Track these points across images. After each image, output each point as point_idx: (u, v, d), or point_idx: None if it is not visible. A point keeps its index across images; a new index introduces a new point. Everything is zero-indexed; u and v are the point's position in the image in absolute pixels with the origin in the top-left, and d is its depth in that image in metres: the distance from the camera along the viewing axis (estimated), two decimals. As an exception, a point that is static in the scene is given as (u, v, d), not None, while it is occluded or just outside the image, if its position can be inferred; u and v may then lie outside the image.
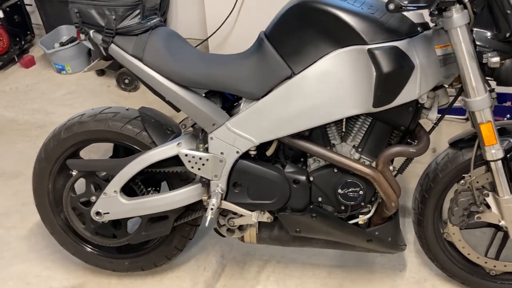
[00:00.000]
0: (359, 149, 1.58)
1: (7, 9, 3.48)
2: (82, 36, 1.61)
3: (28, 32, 3.71)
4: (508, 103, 2.59)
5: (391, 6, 1.21)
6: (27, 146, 2.78)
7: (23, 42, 3.63)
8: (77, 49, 3.38)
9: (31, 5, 3.74)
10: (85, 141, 1.75)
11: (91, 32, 1.59)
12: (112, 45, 1.57)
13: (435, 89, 1.49)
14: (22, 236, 2.18)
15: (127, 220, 1.82)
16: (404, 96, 1.41)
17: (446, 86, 1.53)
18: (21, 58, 3.60)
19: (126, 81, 3.09)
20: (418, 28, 1.42)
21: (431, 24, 1.47)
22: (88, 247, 1.91)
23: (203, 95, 1.61)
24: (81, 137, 1.73)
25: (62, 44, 3.42)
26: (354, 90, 1.43)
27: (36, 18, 3.78)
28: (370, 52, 1.37)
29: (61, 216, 1.87)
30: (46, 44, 3.43)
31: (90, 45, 1.63)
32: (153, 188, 1.86)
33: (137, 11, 1.55)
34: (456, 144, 1.64)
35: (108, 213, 1.72)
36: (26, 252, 2.10)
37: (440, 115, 1.56)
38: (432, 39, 1.43)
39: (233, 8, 2.98)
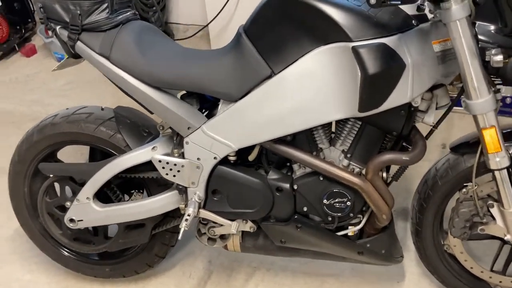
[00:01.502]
0: (348, 155, 1.43)
1: (6, -4, 3.40)
2: (49, 33, 1.50)
3: (29, 20, 3.62)
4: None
5: (372, 1, 1.05)
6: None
7: (23, 31, 3.55)
8: (76, 38, 3.28)
9: (31, -9, 3.66)
10: (59, 143, 1.66)
11: (57, 28, 1.47)
12: (79, 43, 1.45)
13: (432, 88, 1.33)
14: (7, 236, 2.11)
15: (105, 226, 1.72)
16: (394, 100, 1.25)
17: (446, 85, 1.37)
18: (22, 47, 3.53)
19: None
20: (413, 21, 1.26)
21: (430, 16, 1.30)
22: (68, 253, 1.83)
23: (179, 96, 1.49)
24: (54, 139, 1.64)
25: (61, 33, 3.33)
26: (338, 92, 1.28)
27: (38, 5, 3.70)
28: (355, 50, 1.21)
29: (39, 221, 1.79)
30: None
31: (57, 43, 1.52)
32: (136, 191, 1.76)
33: (105, 5, 1.42)
34: (458, 149, 1.48)
35: (81, 220, 1.63)
36: (9, 253, 2.04)
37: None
38: (429, 33, 1.26)
39: (232, -6, 2.82)
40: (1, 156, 2.59)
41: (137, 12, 1.56)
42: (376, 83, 1.22)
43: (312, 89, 1.30)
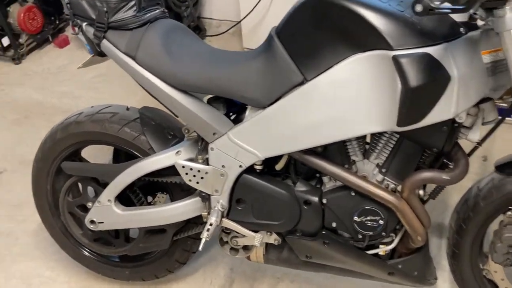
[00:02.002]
0: (383, 170, 1.34)
1: (41, -13, 3.40)
2: (76, 30, 1.45)
3: (63, 11, 3.62)
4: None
5: (419, 8, 0.95)
6: (49, 132, 2.71)
7: (57, 22, 3.56)
8: (108, 30, 3.26)
9: (67, -18, 3.65)
10: (82, 142, 1.62)
11: (83, 25, 1.42)
12: (104, 41, 1.39)
13: (479, 102, 1.21)
14: (30, 230, 2.11)
15: (126, 229, 1.68)
16: (436, 115, 1.14)
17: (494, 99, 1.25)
18: (55, 38, 3.54)
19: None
20: (461, 29, 1.14)
21: (480, 23, 1.18)
22: (88, 253, 1.80)
23: (205, 100, 1.42)
24: (77, 138, 1.59)
25: (93, 25, 3.32)
26: (375, 103, 1.18)
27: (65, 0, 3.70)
28: (395, 59, 1.11)
29: (61, 219, 1.76)
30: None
31: (83, 39, 1.47)
32: (160, 193, 1.72)
33: (132, 2, 1.36)
34: (504, 168, 1.36)
35: (102, 222, 1.59)
36: (32, 249, 2.03)
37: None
38: (479, 43, 1.15)
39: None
40: (31, 147, 2.59)
41: (166, 10, 1.49)
42: (418, 97, 1.12)
43: (347, 98, 1.21)
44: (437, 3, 0.93)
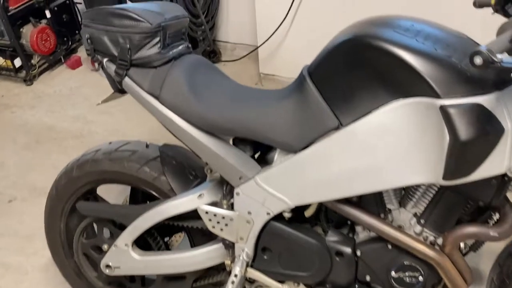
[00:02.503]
0: (422, 220, 1.24)
1: (55, 8, 3.36)
2: (96, 65, 1.38)
3: (77, 32, 3.58)
4: None
5: (478, 61, 0.87)
6: (62, 159, 2.62)
7: (70, 42, 3.52)
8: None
9: (80, 3, 3.61)
10: (99, 180, 1.54)
11: (104, 60, 1.35)
12: (126, 79, 1.32)
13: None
14: (40, 265, 2.02)
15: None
16: (487, 170, 1.05)
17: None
18: (67, 59, 3.50)
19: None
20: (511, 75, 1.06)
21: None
22: (102, 295, 1.71)
23: (231, 141, 1.34)
24: (94, 176, 1.52)
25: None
26: (418, 154, 1.09)
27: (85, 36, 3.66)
28: (444, 110, 1.02)
29: (74, 259, 1.67)
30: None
31: (104, 75, 1.40)
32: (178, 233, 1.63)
33: (157, 39, 1.28)
34: (553, 221, 1.26)
35: (118, 267, 1.50)
36: (42, 285, 1.94)
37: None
38: (531, 90, 1.06)
39: (286, 15, 2.66)
40: (41, 174, 2.54)
41: (190, 45, 1.42)
42: (468, 151, 1.03)
43: (386, 147, 1.12)
44: (500, 57, 0.85)
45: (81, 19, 3.61)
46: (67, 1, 3.45)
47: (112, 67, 1.34)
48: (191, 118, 1.28)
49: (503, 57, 0.85)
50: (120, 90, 1.39)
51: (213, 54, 3.19)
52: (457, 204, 1.22)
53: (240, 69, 3.16)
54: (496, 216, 1.24)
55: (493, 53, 0.85)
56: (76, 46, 3.62)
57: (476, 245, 1.31)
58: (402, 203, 1.28)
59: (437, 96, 1.03)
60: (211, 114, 1.27)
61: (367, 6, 2.46)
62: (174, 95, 1.29)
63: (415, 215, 1.27)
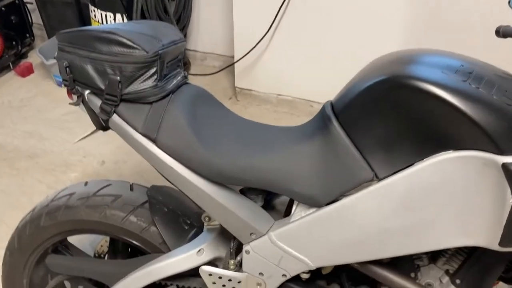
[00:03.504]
0: (457, 280, 1.10)
1: (3, 9, 3.01)
2: (74, 98, 1.14)
3: (27, 35, 3.24)
4: None
5: None
6: (13, 183, 2.33)
7: (20, 47, 3.17)
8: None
9: (31, 3, 3.26)
10: (73, 231, 1.29)
11: (86, 93, 1.12)
12: (115, 116, 1.09)
13: None
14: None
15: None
16: (552, 236, 0.92)
17: None
18: (17, 65, 3.15)
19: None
20: None
21: None
22: None
23: (238, 190, 1.14)
24: (68, 226, 1.27)
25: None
26: (470, 216, 0.95)
27: (37, 17, 3.31)
28: (507, 168, 0.88)
29: (39, 319, 1.42)
30: (46, 52, 2.95)
31: (84, 110, 1.16)
32: None
33: (153, 70, 1.06)
34: None
35: (99, 335, 1.27)
36: None
37: None
38: None
39: (268, 30, 2.47)
40: (-11, 203, 2.22)
41: (186, 74, 1.21)
42: (535, 216, 0.89)
43: (431, 206, 0.97)
44: None
45: (31, 21, 3.27)
46: (16, 1, 3.10)
47: (96, 102, 1.10)
48: (195, 165, 1.07)
49: None
50: (103, 127, 1.16)
51: (183, 66, 2.95)
52: (499, 263, 1.08)
53: (212, 82, 2.95)
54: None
55: None
56: (26, 51, 3.28)
57: (512, 305, 1.18)
58: (432, 259, 1.14)
59: (499, 152, 0.88)
60: (219, 161, 1.06)
61: (350, 27, 2.33)
62: (174, 138, 1.07)
63: (447, 272, 1.12)
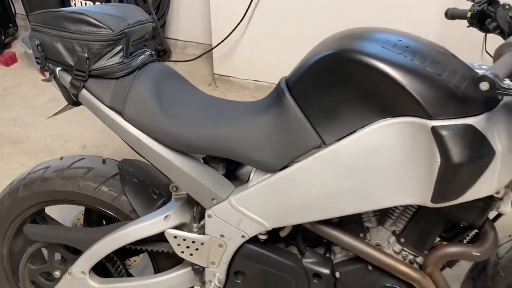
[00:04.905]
0: (402, 239, 1.21)
1: (-14, -1, 3.07)
2: (46, 75, 1.22)
3: (10, 25, 3.29)
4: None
5: (484, 87, 0.82)
6: (-2, 168, 2.40)
7: (3, 37, 3.23)
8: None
9: (14, -7, 3.32)
10: (49, 201, 1.38)
11: (57, 70, 1.20)
12: (84, 91, 1.18)
13: None
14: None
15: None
16: (476, 192, 1.02)
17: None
18: (0, 55, 3.20)
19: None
20: (499, 96, 1.03)
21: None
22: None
23: (201, 159, 1.23)
24: (44, 197, 1.36)
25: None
26: (406, 176, 1.05)
27: (20, 8, 3.36)
28: (435, 131, 0.98)
29: (19, 287, 1.50)
30: (29, 42, 3.00)
31: (56, 86, 1.24)
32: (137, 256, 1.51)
33: (119, 47, 1.15)
34: (526, 236, 1.27)
35: (74, 297, 1.36)
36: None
37: None
38: (515, 109, 1.04)
39: (243, 16, 2.56)
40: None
41: (153, 52, 1.30)
42: (459, 174, 0.99)
43: (371, 168, 1.07)
44: (508, 83, 0.81)
45: (15, 11, 3.33)
46: (-1, -9, 3.17)
47: (66, 78, 1.19)
48: (159, 135, 1.17)
49: (510, 83, 0.81)
50: (75, 102, 1.25)
51: (163, 53, 3.04)
52: (438, 223, 1.18)
53: (192, 69, 3.03)
54: (472, 233, 1.23)
55: (500, 79, 0.80)
56: (10, 40, 3.34)
57: (452, 262, 1.29)
58: (380, 221, 1.24)
59: (428, 117, 0.98)
60: (181, 131, 1.16)
61: (325, 9, 2.42)
62: (139, 110, 1.16)
63: (393, 233, 1.23)
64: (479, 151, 0.97)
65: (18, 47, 3.32)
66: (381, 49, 1.04)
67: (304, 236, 1.30)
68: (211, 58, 2.89)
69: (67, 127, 2.65)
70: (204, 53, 2.85)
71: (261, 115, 1.16)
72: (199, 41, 3.07)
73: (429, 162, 1.00)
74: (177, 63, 3.10)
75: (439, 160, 0.99)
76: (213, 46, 2.70)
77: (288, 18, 2.49)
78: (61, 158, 1.41)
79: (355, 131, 1.06)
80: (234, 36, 2.64)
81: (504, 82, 0.80)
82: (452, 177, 0.99)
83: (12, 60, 3.21)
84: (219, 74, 2.87)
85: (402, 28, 1.20)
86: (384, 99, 1.02)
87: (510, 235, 1.32)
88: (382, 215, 1.24)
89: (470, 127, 0.97)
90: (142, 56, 1.23)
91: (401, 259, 1.22)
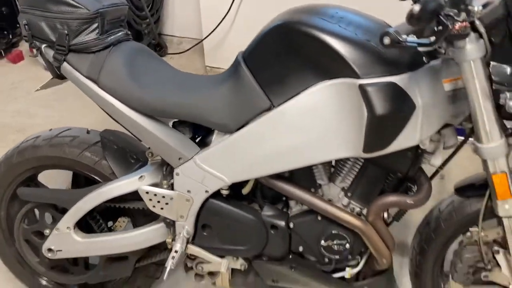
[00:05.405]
0: (349, 194, 1.35)
1: (-7, 1, 3.29)
2: (34, 51, 1.40)
3: (18, 25, 3.50)
4: None
5: (386, 41, 0.97)
6: (2, 153, 2.58)
7: (11, 36, 3.44)
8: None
9: (21, -4, 3.54)
10: (40, 167, 1.55)
11: (42, 46, 1.37)
12: (65, 64, 1.35)
13: (440, 128, 1.25)
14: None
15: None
16: (401, 142, 1.17)
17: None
18: (8, 53, 3.42)
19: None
20: (424, 58, 1.18)
21: (441, 52, 1.22)
22: (46, 282, 1.72)
23: (170, 124, 1.39)
24: (35, 162, 1.53)
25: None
26: (341, 130, 1.19)
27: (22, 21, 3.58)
28: (362, 88, 1.13)
29: (16, 247, 1.68)
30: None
31: (42, 61, 1.42)
32: (122, 218, 1.67)
33: (95, 25, 1.32)
34: (464, 191, 1.40)
35: (60, 250, 1.52)
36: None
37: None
38: (440, 71, 1.18)
39: (229, 8, 2.73)
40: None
41: (129, 32, 1.47)
42: (384, 125, 1.14)
43: (313, 125, 1.22)
44: (405, 37, 0.96)
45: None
46: (7, -6, 3.38)
47: (50, 53, 1.36)
48: (131, 102, 1.33)
49: (407, 37, 0.95)
50: (59, 75, 1.42)
51: (158, 48, 3.22)
52: (379, 177, 1.33)
53: (186, 62, 3.21)
54: (414, 188, 1.36)
55: (399, 34, 0.95)
56: (17, 40, 3.54)
57: (398, 215, 1.43)
58: (331, 179, 1.39)
59: (357, 76, 1.13)
60: (151, 97, 1.32)
61: None
62: (113, 79, 1.33)
63: (342, 189, 1.37)
64: (400, 104, 1.12)
65: (25, 46, 3.52)
66: (318, 20, 1.19)
67: (265, 194, 1.45)
68: (203, 51, 3.06)
69: (68, 116, 2.84)
70: (194, 46, 3.03)
71: (221, 84, 1.32)
72: (193, 37, 3.25)
73: (359, 116, 1.15)
74: (173, 57, 3.28)
75: (366, 113, 1.13)
76: (202, 38, 2.88)
77: (275, 6, 2.64)
78: (50, 129, 1.58)
79: (298, 93, 1.21)
80: (223, 28, 2.81)
81: (408, 38, 0.95)
82: (377, 128, 1.14)
83: (19, 58, 3.42)
84: (210, 66, 3.04)
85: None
86: (322, 63, 1.17)
87: (441, 176, 1.44)
88: (333, 173, 1.39)
89: (392, 84, 1.12)
90: (117, 34, 1.39)
91: (349, 211, 1.36)
